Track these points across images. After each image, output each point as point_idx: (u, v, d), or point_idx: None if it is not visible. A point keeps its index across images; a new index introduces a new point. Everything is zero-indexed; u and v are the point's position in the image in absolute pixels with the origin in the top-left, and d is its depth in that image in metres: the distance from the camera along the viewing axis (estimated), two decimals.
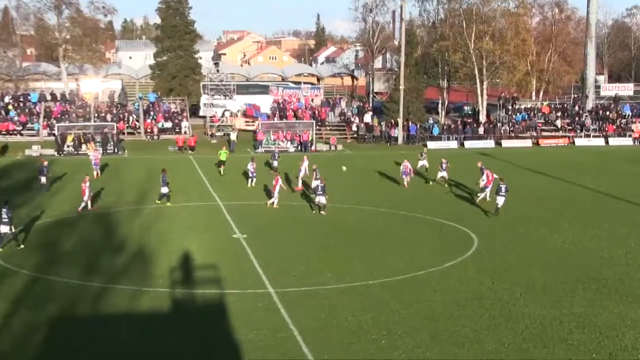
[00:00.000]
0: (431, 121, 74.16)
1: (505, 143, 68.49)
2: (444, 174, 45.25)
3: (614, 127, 72.05)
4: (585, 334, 21.10)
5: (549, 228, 33.98)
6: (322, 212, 36.49)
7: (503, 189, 36.32)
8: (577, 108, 75.78)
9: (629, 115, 75.03)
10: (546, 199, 41.35)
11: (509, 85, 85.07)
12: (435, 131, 70.18)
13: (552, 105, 77.62)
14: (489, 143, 68.10)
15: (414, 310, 22.83)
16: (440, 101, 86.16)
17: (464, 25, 76.00)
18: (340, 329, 21.29)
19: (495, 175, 39.79)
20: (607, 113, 74.46)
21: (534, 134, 71.64)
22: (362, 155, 61.41)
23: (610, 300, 23.81)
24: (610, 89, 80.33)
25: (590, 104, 77.21)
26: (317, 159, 53.38)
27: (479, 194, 40.27)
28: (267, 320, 21.86)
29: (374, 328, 21.36)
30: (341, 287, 25.08)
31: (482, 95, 77.41)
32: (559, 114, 74.67)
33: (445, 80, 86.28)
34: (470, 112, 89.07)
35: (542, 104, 78.57)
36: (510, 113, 74.53)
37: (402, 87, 70.60)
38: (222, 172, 48.20)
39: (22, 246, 29.83)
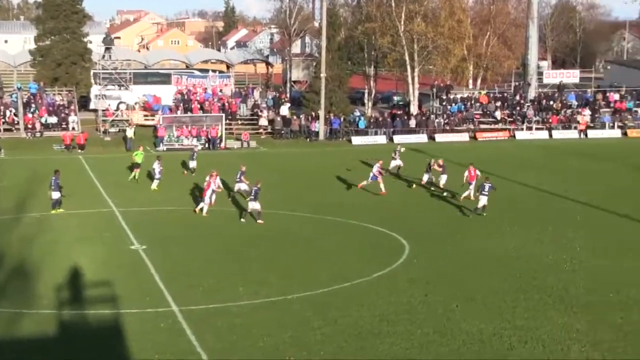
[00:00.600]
0: (357, 113, 74.76)
1: (440, 137, 69.64)
2: (399, 162, 45.91)
3: (558, 118, 74.00)
4: (528, 349, 21.70)
5: (489, 232, 34.78)
6: (259, 221, 36.10)
7: (487, 188, 37.57)
8: (518, 97, 77.60)
9: (574, 105, 77.25)
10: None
11: (443, 73, 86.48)
12: (361, 125, 70.83)
13: (491, 95, 79.25)
14: (422, 137, 69.14)
15: (338, 328, 23.05)
16: (366, 91, 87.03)
17: (393, 5, 76.91)
18: (254, 351, 21.35)
19: (478, 173, 40.66)
20: (551, 103, 76.48)
21: (471, 126, 73.07)
22: (279, 153, 61.58)
23: (555, 311, 24.55)
24: (554, 76, 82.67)
25: (532, 92, 79.17)
26: (227, 157, 53.30)
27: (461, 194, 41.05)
28: (171, 343, 21.75)
29: (292, 348, 21.49)
30: (256, 303, 25.12)
31: (413, 84, 78.46)
32: (498, 104, 76.29)
33: (372, 67, 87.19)
34: (400, 103, 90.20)
35: (480, 93, 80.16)
36: (444, 104, 75.80)
37: (323, 75, 70.97)
38: (136, 177, 46.65)
39: None
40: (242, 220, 36.68)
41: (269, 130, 71.22)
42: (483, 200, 37.50)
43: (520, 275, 28.28)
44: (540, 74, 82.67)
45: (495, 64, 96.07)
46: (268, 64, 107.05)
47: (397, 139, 67.80)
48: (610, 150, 62.04)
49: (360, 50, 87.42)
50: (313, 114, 71.83)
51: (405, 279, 27.81)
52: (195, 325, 23.01)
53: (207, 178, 38.82)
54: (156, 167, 44.33)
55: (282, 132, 69.94)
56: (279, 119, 71.11)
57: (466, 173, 41.35)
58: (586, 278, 27.99)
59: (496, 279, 27.85)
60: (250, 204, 36.52)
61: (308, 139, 69.10)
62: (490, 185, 37.81)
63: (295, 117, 71.69)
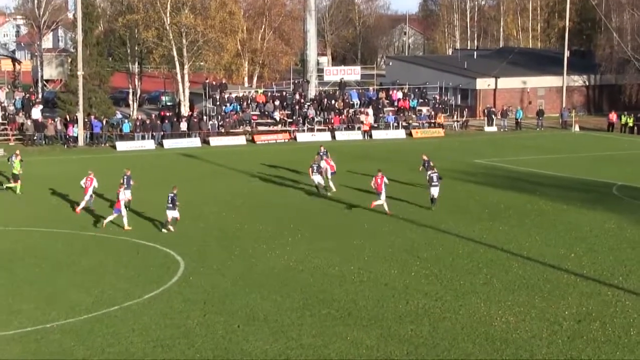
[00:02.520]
0: (119, 116, 73.70)
1: (214, 141, 69.88)
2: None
3: (341, 118, 76.15)
4: None
5: (270, 243, 35.25)
6: (170, 228, 37.12)
7: (435, 178, 40.74)
8: (297, 96, 79.18)
9: (357, 104, 79.86)
10: (265, 207, 42.84)
11: (216, 70, 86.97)
12: (126, 128, 69.86)
13: (269, 94, 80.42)
14: (194, 141, 69.12)
15: (106, 357, 22.64)
16: (131, 90, 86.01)
17: None
18: None
19: (386, 180, 41.07)
20: (333, 102, 78.59)
21: (249, 128, 73.83)
22: (31, 161, 59.40)
23: (343, 326, 25.24)
24: (335, 73, 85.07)
25: (312, 91, 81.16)
26: None
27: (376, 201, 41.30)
28: None
29: None
30: (7, 335, 24.23)
31: (183, 83, 78.38)
32: (277, 103, 77.54)
33: (137, 63, 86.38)
34: (169, 104, 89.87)
35: (257, 92, 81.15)
36: (218, 104, 76.11)
37: (80, 72, 69.43)
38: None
39: None
40: (164, 230, 37.23)
41: (19, 136, 68.75)
42: (435, 192, 40.81)
43: (305, 289, 28.87)
44: (320, 70, 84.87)
45: (272, 60, 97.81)
46: (15, 60, 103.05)
47: (167, 143, 67.44)
48: (395, 152, 64.53)
49: (122, 45, 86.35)
50: (70, 117, 70.05)
51: (180, 299, 27.68)
52: None
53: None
54: None
55: (35, 138, 67.73)
56: (29, 122, 68.75)
57: (372, 182, 41.81)
58: (375, 289, 28.99)
59: (279, 294, 28.27)
60: (169, 213, 37.03)
61: (65, 145, 67.34)
62: (437, 174, 41.15)
63: (50, 121, 69.58)
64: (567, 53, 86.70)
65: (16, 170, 46.91)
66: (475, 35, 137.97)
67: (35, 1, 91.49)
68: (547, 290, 28.82)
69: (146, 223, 39.24)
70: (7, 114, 71.60)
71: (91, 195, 41.16)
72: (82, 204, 41.03)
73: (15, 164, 47.00)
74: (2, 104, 73.06)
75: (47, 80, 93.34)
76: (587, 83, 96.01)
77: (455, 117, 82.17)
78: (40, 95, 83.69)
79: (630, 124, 78.57)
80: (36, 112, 70.52)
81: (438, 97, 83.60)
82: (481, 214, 41.43)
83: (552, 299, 27.90)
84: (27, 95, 77.43)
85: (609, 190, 44.64)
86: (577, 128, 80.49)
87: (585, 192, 47.11)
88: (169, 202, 37.17)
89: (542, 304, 27.35)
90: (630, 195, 44.40)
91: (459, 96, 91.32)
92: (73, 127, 68.41)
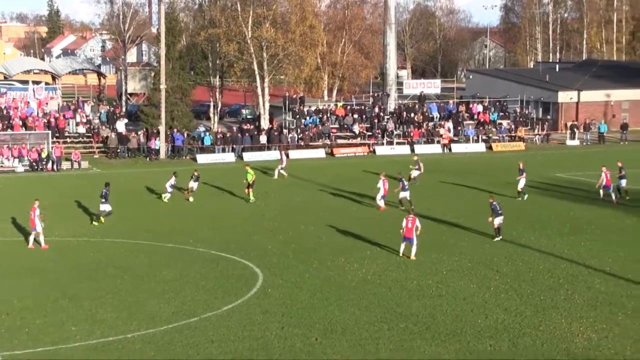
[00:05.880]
0: (201, 129, 74.51)
1: (293, 154, 70.10)
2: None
3: (420, 131, 75.85)
4: None
5: (348, 257, 35.21)
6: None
7: (498, 207, 38.64)
8: (377, 109, 79.10)
9: (436, 118, 79.49)
10: (345, 221, 42.81)
11: (296, 83, 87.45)
12: (207, 141, 70.59)
13: (348, 107, 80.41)
14: (274, 154, 69.41)
15: None
16: (212, 103, 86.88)
17: (239, 9, 77.21)
18: None
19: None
20: (412, 115, 78.35)
21: (328, 141, 73.97)
22: (115, 174, 60.53)
23: (421, 340, 25.08)
24: (415, 86, 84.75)
25: (392, 104, 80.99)
26: (56, 181, 51.97)
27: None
28: None
29: None
30: (91, 344, 24.60)
31: (263, 96, 78.86)
32: (356, 116, 77.57)
33: (218, 77, 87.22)
34: (249, 117, 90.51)
35: (336, 105, 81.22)
36: (298, 117, 76.46)
37: (163, 86, 70.42)
38: None
39: None
40: (94, 223, 40.22)
41: (103, 148, 70.00)
42: (497, 221, 38.47)
43: (383, 303, 28.77)
44: (399, 84, 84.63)
45: (351, 74, 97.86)
46: (100, 74, 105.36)
47: (247, 156, 67.95)
48: (476, 165, 63.98)
49: (204, 58, 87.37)
50: (153, 129, 71.08)
51: (259, 311, 27.81)
52: None
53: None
54: None
55: (118, 150, 68.89)
56: (114, 135, 70.00)
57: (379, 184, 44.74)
58: (453, 303, 28.75)
59: (357, 307, 28.22)
60: (102, 206, 40.01)
61: (148, 158, 68.34)
62: (496, 203, 39.01)
63: (133, 134, 70.75)
64: None
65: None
66: (558, 48, 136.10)
67: (121, 17, 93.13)
68: (630, 307, 28.22)
69: (225, 235, 39.52)
70: (92, 127, 73.01)
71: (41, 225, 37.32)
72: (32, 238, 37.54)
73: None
74: (88, 117, 74.53)
75: (130, 94, 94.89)
76: None
77: (536, 130, 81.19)
78: (124, 109, 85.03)
79: None
80: (120, 125, 71.76)
81: (519, 111, 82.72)
82: (562, 229, 40.79)
83: (636, 316, 27.30)
84: (112, 108, 78.90)
85: None
86: None
87: None
88: (102, 197, 40.51)
89: (626, 321, 26.80)
90: None
91: (540, 109, 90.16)
92: (155, 139, 69.37)
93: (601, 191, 47.75)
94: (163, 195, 48.13)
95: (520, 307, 28.27)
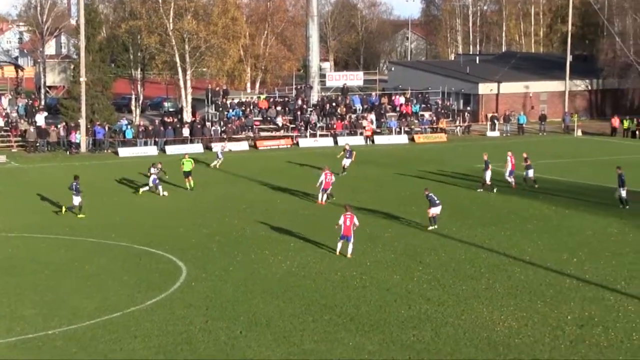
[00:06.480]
0: (123, 122, 73.73)
1: (217, 147, 69.66)
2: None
3: (343, 123, 76.15)
4: None
5: (273, 249, 35.23)
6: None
7: (435, 198, 38.93)
8: (300, 102, 79.20)
9: (359, 110, 79.89)
10: (269, 213, 42.83)
11: (219, 75, 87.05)
12: (129, 134, 69.91)
13: (271, 99, 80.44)
14: (197, 147, 69.02)
15: None
16: (133, 96, 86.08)
17: (160, 0, 76.54)
18: None
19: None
20: (335, 107, 78.63)
21: (251, 134, 73.87)
22: (34, 168, 59.64)
23: (346, 331, 25.24)
24: (338, 79, 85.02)
25: (315, 96, 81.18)
26: None
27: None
28: None
29: None
30: (10, 342, 24.25)
31: (185, 88, 78.42)
32: (279, 108, 77.57)
33: (139, 70, 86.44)
34: (171, 110, 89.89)
35: (260, 97, 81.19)
36: (221, 109, 76.15)
37: (83, 79, 69.48)
38: None
39: None
40: (60, 213, 41.88)
41: (22, 142, 68.83)
42: (435, 210, 38.83)
43: (308, 295, 28.88)
44: (322, 76, 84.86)
45: (274, 66, 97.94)
46: (18, 66, 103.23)
47: (170, 149, 67.49)
48: (398, 157, 64.50)
49: (125, 51, 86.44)
50: (73, 123, 70.14)
51: (182, 305, 27.68)
52: None
53: None
54: None
55: (37, 144, 67.80)
56: (32, 129, 68.85)
57: (322, 177, 44.84)
58: (377, 294, 28.98)
59: (282, 300, 28.28)
60: (74, 200, 41.30)
61: (68, 152, 67.38)
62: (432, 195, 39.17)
63: (52, 127, 69.65)
64: (569, 57, 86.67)
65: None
66: (478, 40, 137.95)
67: (38, 8, 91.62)
68: (549, 295, 28.80)
69: (147, 229, 39.24)
70: (10, 120, 71.68)
71: None
72: None
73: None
74: (5, 111, 73.15)
75: (49, 87, 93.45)
76: (589, 87, 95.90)
77: (457, 122, 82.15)
78: (43, 102, 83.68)
79: (633, 128, 78.45)
80: (40, 119, 70.62)
81: (440, 102, 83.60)
82: (484, 219, 41.41)
83: (554, 303, 27.88)
84: (30, 101, 77.56)
85: (611, 194, 44.57)
86: (579, 133, 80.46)
87: (587, 197, 47.05)
88: (74, 189, 41.49)
89: (545, 308, 27.34)
90: (633, 200, 44.32)
91: (462, 101, 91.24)
92: (76, 133, 68.43)
93: (512, 178, 49.26)
94: (164, 193, 47.45)
95: (442, 297, 28.64)
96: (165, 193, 47.19)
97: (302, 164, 60.31)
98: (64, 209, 42.44)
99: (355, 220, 34.24)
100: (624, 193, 43.41)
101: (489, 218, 41.68)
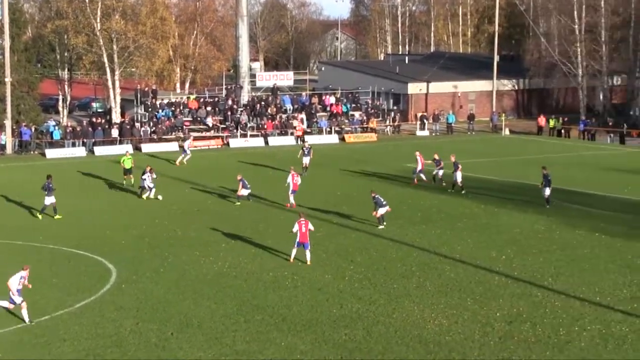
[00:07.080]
0: (50, 123, 72.72)
1: (147, 147, 69.14)
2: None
3: (274, 123, 76.12)
4: None
5: (203, 250, 35.11)
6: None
7: (381, 200, 39.02)
8: (230, 102, 78.92)
9: (289, 110, 79.92)
10: (200, 214, 42.64)
11: (148, 76, 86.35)
12: (56, 135, 69.00)
13: (201, 99, 79.99)
14: (126, 148, 68.16)
15: None
16: (60, 97, 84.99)
17: (87, 0, 75.69)
18: None
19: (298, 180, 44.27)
20: (265, 107, 78.54)
21: (181, 134, 73.34)
22: None
23: (278, 332, 25.26)
24: (268, 79, 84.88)
25: (245, 96, 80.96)
26: None
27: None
28: None
29: None
30: None
31: (114, 89, 77.75)
32: (209, 109, 77.20)
33: (67, 70, 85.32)
34: (100, 110, 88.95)
35: (189, 97, 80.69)
36: (150, 110, 75.54)
37: (8, 79, 68.38)
38: None
39: None
40: (38, 216, 41.24)
41: None
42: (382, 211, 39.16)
43: (239, 295, 28.86)
44: (252, 76, 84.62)
45: (204, 66, 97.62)
46: None
47: (99, 150, 66.76)
48: (329, 157, 64.65)
49: (51, 51, 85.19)
50: None
51: (113, 307, 27.45)
52: None
53: None
54: None
55: None
56: None
57: (289, 178, 44.60)
58: (309, 294, 29.07)
59: (213, 301, 28.20)
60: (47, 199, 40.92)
61: None
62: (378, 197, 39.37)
63: None
64: (496, 58, 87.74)
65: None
66: (407, 40, 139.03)
67: None
68: (479, 293, 29.15)
69: (77, 231, 38.78)
70: None
71: None
72: None
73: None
74: None
75: None
76: (516, 87, 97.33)
77: (387, 121, 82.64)
78: None
79: (559, 127, 79.80)
80: None
81: (370, 102, 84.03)
82: (414, 218, 41.74)
83: (483, 301, 28.23)
84: None
85: (537, 192, 45.24)
86: (507, 131, 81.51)
87: (515, 195, 47.71)
88: (46, 189, 41.13)
89: (474, 306, 27.67)
90: (558, 198, 45.07)
91: (391, 101, 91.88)
92: (1, 134, 67.33)
93: (422, 175, 51.12)
94: (158, 196, 46.52)
95: (374, 296, 28.81)
96: (160, 197, 46.38)
97: (232, 164, 60.13)
98: (39, 215, 41.65)
99: (310, 226, 33.68)
100: (548, 192, 44.05)
101: (419, 217, 42.03)
